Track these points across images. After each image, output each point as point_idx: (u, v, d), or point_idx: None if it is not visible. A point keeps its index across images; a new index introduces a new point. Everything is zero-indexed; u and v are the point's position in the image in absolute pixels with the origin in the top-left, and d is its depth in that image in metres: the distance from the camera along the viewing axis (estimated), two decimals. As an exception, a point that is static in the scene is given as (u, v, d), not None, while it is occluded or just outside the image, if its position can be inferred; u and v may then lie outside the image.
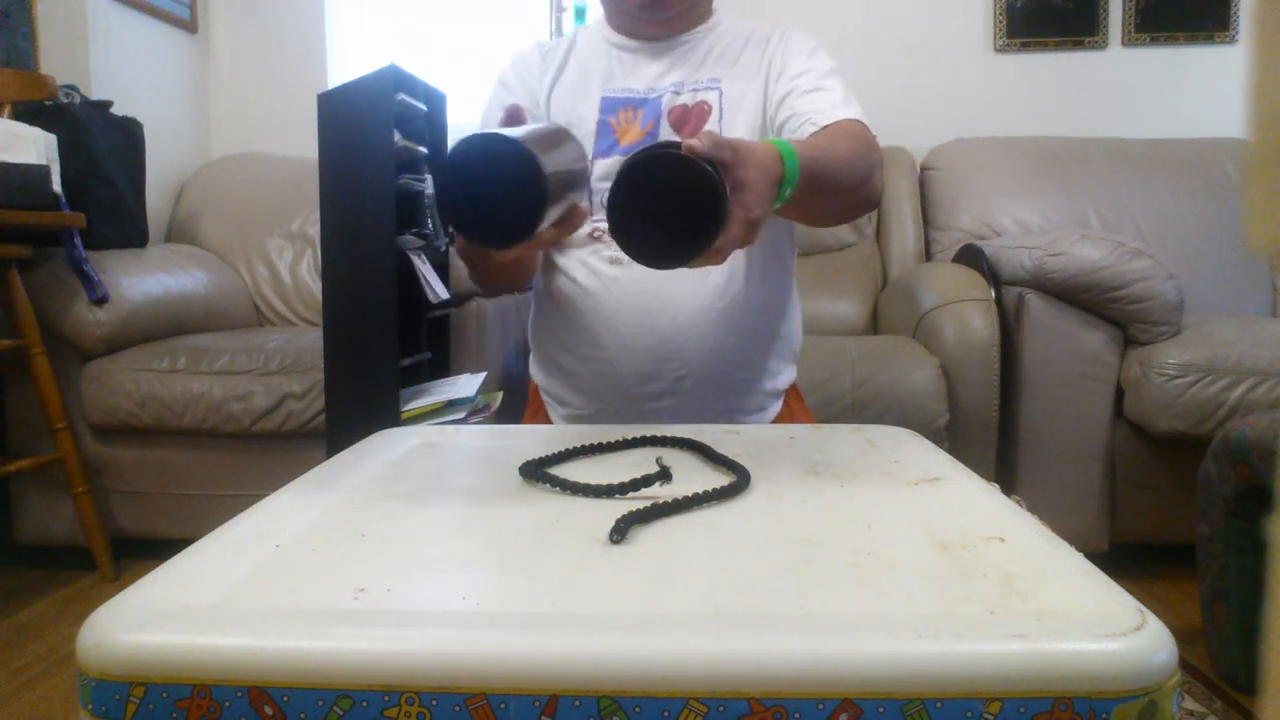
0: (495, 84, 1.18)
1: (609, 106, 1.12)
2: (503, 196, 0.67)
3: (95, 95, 2.19)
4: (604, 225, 1.07)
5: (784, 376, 1.16)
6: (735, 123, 1.09)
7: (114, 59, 2.34)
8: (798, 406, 1.20)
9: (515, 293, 1.81)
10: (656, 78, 1.12)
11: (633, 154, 0.68)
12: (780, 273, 1.14)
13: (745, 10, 1.16)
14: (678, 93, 1.11)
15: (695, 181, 0.66)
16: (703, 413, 1.08)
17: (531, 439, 0.87)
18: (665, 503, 0.61)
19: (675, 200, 0.66)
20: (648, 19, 1.11)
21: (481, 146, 0.67)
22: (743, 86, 1.10)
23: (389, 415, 1.40)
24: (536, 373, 1.20)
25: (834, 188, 0.91)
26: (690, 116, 1.10)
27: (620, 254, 1.03)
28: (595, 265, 1.09)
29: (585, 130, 1.11)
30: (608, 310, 1.07)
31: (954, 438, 1.74)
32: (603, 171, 1.09)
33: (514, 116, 0.78)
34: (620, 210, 0.67)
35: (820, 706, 0.40)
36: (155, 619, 0.45)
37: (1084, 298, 1.72)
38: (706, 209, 0.66)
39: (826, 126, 0.99)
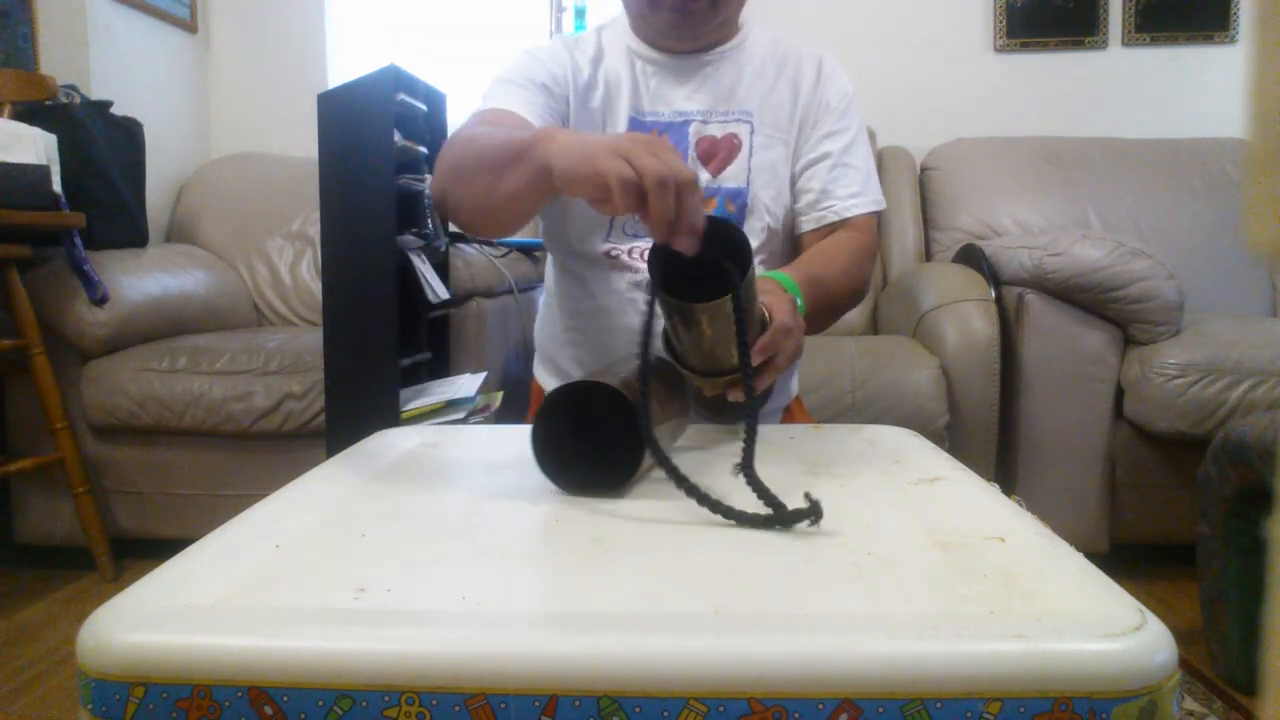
0: (521, 54, 1.10)
1: (634, 128, 1.08)
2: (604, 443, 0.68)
3: (95, 95, 2.19)
4: (621, 248, 1.07)
5: (788, 393, 1.16)
6: (763, 162, 1.07)
7: (114, 59, 2.34)
8: (799, 411, 1.20)
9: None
10: (683, 100, 1.08)
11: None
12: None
13: (751, 11, 1.14)
14: (705, 121, 1.07)
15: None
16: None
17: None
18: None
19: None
20: (676, 37, 1.07)
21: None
22: (773, 127, 1.08)
23: (389, 415, 1.40)
24: (544, 376, 1.19)
25: (824, 316, 1.04)
26: (719, 149, 1.07)
27: (641, 276, 1.04)
28: (617, 285, 1.06)
29: None
30: (628, 333, 1.04)
31: (954, 438, 1.74)
32: None
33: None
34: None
35: (820, 706, 0.40)
36: (155, 619, 0.45)
37: (1084, 298, 1.72)
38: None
39: (843, 222, 1.08)
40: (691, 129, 1.07)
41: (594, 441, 0.67)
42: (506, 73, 1.07)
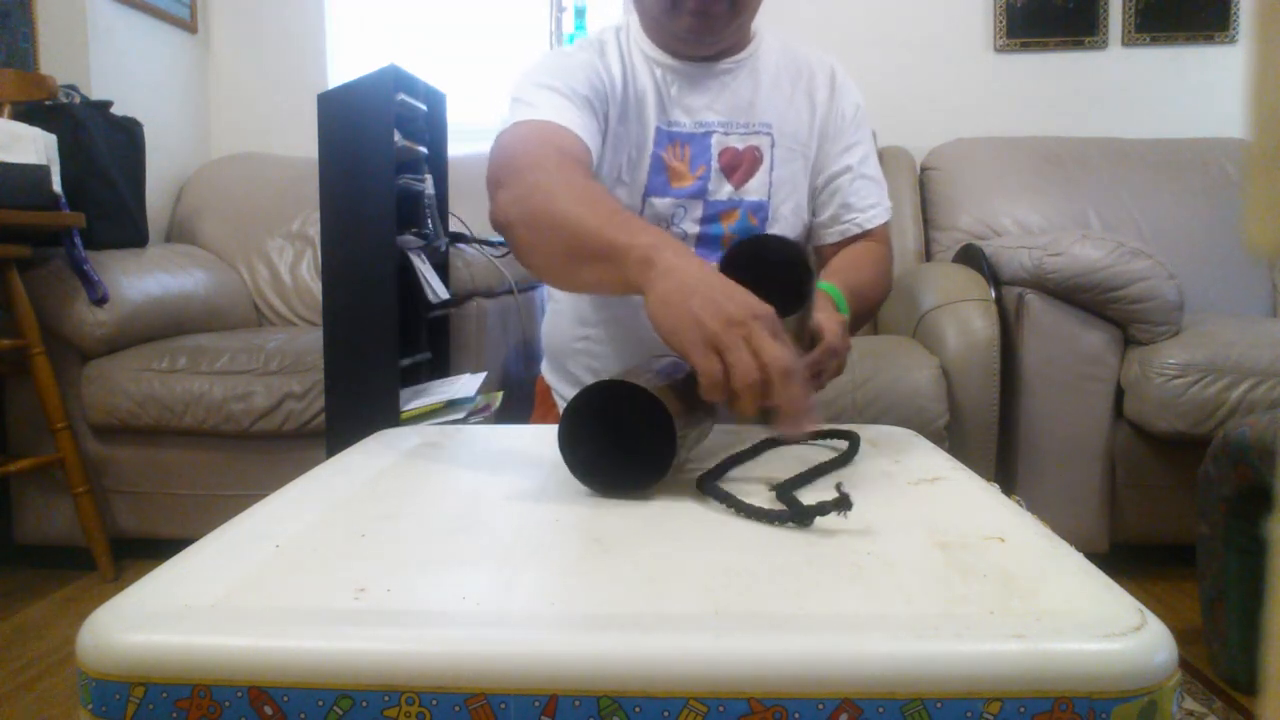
0: (555, 56, 1.08)
1: (661, 139, 1.08)
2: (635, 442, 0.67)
3: (95, 95, 2.19)
4: None
5: None
6: (784, 175, 1.08)
7: (114, 59, 2.34)
8: None
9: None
10: (703, 110, 1.08)
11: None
12: None
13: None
14: (726, 133, 1.08)
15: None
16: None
17: (532, 438, 0.87)
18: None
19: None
20: (695, 41, 1.05)
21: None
22: (792, 139, 1.09)
23: (389, 415, 1.40)
24: (553, 378, 1.19)
25: (859, 324, 1.07)
26: (741, 161, 1.08)
27: None
28: (633, 296, 1.07)
29: (642, 166, 1.07)
30: (647, 342, 1.04)
31: (954, 438, 1.74)
32: (653, 213, 1.07)
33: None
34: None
35: (820, 706, 0.40)
36: (155, 619, 0.45)
37: (1084, 298, 1.72)
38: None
39: (866, 233, 1.12)
40: (714, 139, 1.07)
41: (623, 442, 0.67)
42: (544, 75, 1.02)
